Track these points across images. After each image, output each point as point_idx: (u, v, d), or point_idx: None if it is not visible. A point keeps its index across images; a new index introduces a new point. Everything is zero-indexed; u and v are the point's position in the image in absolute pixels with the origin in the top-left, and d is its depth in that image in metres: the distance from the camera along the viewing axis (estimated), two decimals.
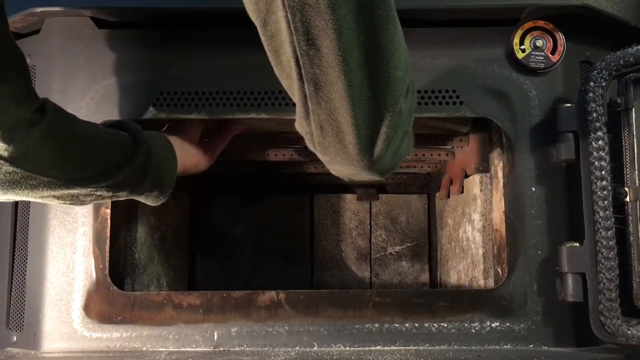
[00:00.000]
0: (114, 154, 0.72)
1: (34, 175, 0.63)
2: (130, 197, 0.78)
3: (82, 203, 0.73)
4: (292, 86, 0.57)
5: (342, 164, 0.62)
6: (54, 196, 0.68)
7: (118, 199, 0.76)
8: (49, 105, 0.65)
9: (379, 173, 0.64)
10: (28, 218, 0.90)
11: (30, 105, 0.62)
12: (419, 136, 1.13)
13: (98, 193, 0.72)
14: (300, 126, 0.61)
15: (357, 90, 0.54)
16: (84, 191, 0.69)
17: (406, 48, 0.58)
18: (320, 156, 0.63)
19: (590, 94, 0.79)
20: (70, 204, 0.72)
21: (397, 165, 0.69)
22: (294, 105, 0.87)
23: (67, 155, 0.66)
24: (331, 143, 0.59)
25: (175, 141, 0.85)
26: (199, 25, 0.90)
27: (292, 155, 1.22)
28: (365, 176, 0.66)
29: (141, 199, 0.80)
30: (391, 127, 0.58)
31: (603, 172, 0.78)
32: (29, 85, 0.63)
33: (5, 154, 0.60)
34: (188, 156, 0.88)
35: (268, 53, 0.57)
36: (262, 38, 0.56)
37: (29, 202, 0.90)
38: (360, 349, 0.85)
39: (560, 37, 0.87)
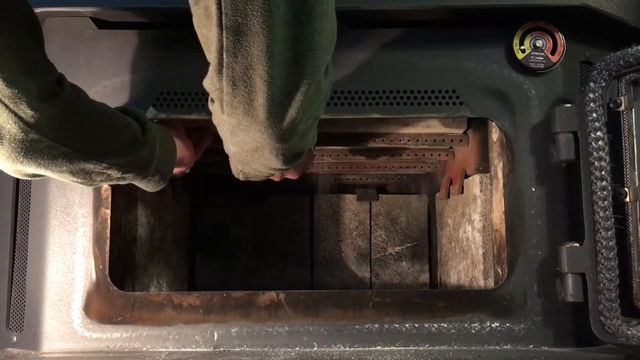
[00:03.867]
0: (127, 133, 0.73)
1: (56, 145, 0.64)
2: (133, 182, 0.79)
3: (92, 183, 0.74)
4: (209, 37, 0.53)
5: (247, 130, 0.59)
6: (70, 171, 0.69)
7: (124, 181, 0.78)
8: (65, 78, 0.66)
9: (282, 152, 0.61)
10: (28, 218, 0.90)
11: (52, 76, 0.63)
12: (419, 136, 1.13)
13: (109, 172, 0.72)
14: (210, 81, 0.57)
15: (277, 47, 0.52)
16: (97, 167, 0.70)
17: (335, 20, 0.56)
18: (225, 120, 0.60)
19: (590, 94, 0.79)
20: (82, 182, 0.73)
21: (300, 154, 0.67)
22: None
23: (87, 127, 0.67)
24: (241, 102, 0.56)
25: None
26: None
27: None
28: (268, 159, 0.63)
29: (142, 184, 0.81)
30: (307, 98, 0.56)
31: (603, 172, 0.78)
32: (46, 56, 0.64)
33: (32, 120, 0.60)
34: (179, 148, 0.88)
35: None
36: None
37: (29, 201, 0.90)
38: (360, 349, 0.85)
39: (560, 38, 0.87)
